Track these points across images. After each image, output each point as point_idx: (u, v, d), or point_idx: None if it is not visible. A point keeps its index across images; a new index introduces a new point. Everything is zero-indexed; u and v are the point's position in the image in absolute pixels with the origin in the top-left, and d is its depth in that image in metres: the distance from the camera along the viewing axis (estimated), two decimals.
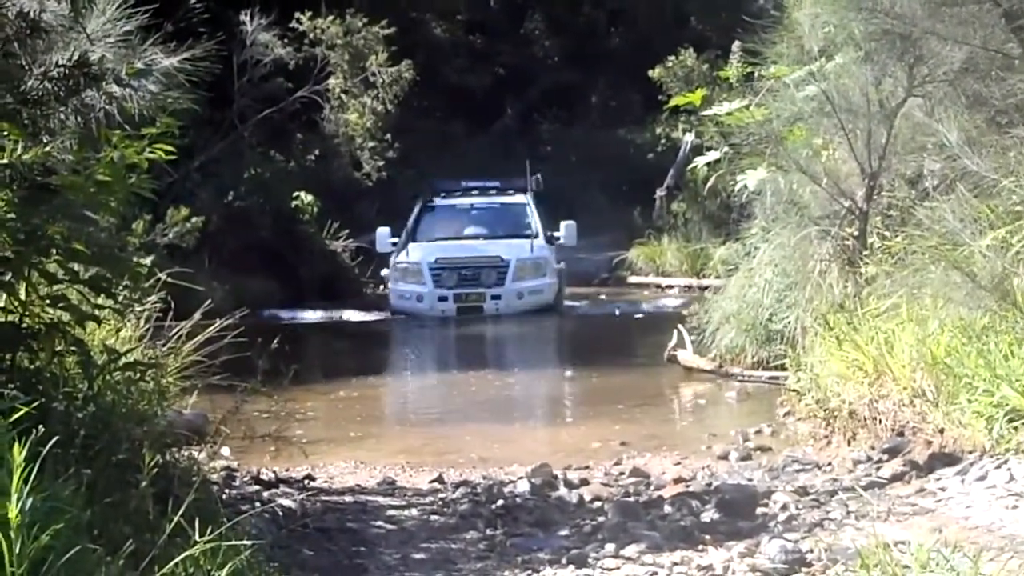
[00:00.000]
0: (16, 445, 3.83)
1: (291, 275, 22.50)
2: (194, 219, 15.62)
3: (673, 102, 15.83)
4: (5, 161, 4.79)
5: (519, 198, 22.56)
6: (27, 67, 5.28)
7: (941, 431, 7.64)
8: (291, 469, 8.27)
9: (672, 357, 13.78)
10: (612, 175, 30.44)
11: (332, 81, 24.83)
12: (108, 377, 5.67)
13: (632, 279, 26.01)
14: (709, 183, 16.54)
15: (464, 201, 22.97)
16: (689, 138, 26.46)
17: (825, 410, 9.08)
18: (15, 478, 3.76)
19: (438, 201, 22.87)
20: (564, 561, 5.90)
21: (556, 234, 21.83)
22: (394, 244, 21.54)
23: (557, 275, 21.27)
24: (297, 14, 24.58)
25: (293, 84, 24.03)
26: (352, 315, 21.56)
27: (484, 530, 6.60)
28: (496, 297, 20.63)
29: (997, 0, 9.19)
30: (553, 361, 16.76)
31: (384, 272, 21.95)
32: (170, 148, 5.71)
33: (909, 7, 9.65)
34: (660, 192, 27.77)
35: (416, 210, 22.49)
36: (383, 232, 21.90)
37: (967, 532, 5.96)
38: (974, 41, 9.55)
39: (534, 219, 21.92)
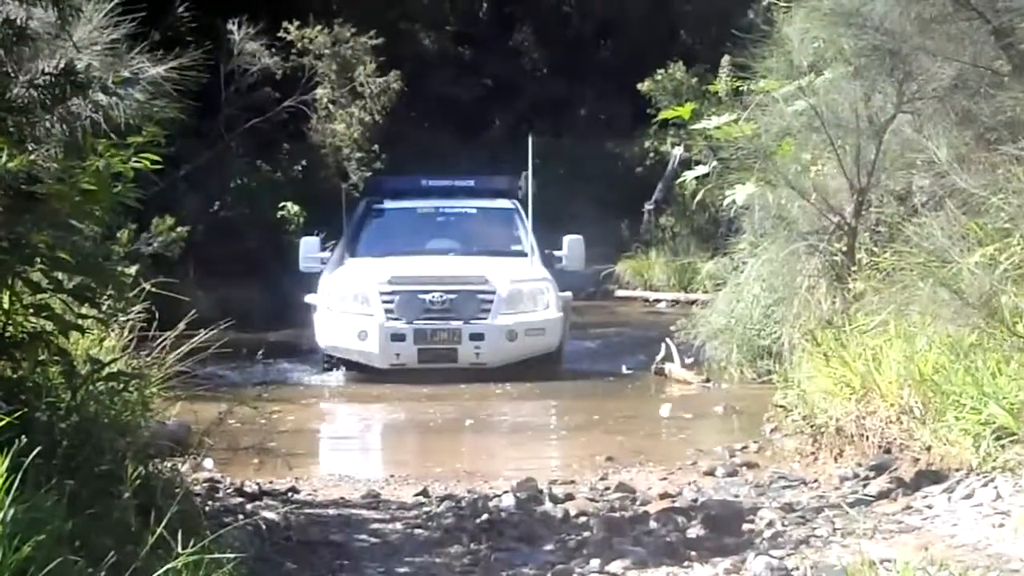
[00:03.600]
0: None
1: (276, 285, 22.33)
2: (179, 229, 15.54)
3: (662, 115, 15.73)
4: None
5: (504, 202, 16.58)
6: (13, 75, 5.25)
7: (928, 448, 7.63)
8: (275, 481, 8.24)
9: (660, 371, 13.79)
10: (600, 188, 30.42)
11: (320, 91, 24.77)
12: (91, 387, 5.64)
13: (620, 293, 25.99)
14: (697, 197, 16.53)
15: (426, 204, 16.65)
16: (678, 152, 26.50)
17: (812, 426, 9.07)
18: None
19: (389, 204, 16.78)
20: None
21: (556, 252, 15.86)
22: (324, 262, 15.54)
23: (563, 308, 15.11)
24: (285, 24, 24.53)
25: (280, 94, 23.96)
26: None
27: (468, 544, 6.57)
28: (477, 337, 14.26)
29: (986, 17, 9.19)
30: (537, 374, 16.45)
31: (309, 298, 15.26)
32: (156, 157, 5.69)
33: (899, 23, 9.66)
34: (648, 206, 27.80)
35: (357, 214, 16.37)
36: (309, 243, 16.06)
37: (953, 550, 5.95)
38: (964, 58, 9.56)
39: (526, 231, 15.85)
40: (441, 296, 14.32)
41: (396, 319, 14.20)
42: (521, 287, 14.72)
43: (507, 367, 14.23)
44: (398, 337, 14.13)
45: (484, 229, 16.22)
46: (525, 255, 15.46)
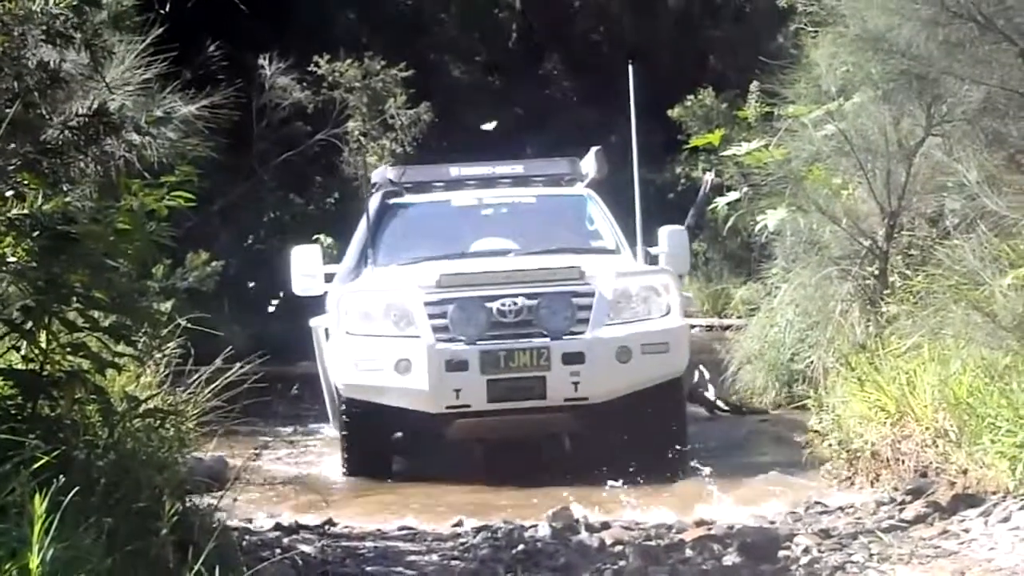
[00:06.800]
0: (37, 495, 3.83)
1: (310, 317, 22.25)
2: (214, 263, 15.53)
3: (693, 142, 15.79)
4: (26, 211, 4.81)
5: (571, 188, 12.37)
6: (47, 117, 5.32)
7: (964, 472, 7.61)
8: (311, 514, 8.26)
9: (695, 396, 13.75)
10: (632, 214, 30.37)
11: (351, 124, 24.88)
12: (128, 424, 5.68)
13: None
14: (729, 223, 16.55)
15: (464, 197, 12.05)
16: (709, 178, 26.49)
17: (847, 451, 9.05)
18: (36, 528, 3.76)
19: (413, 198, 12.15)
20: None
21: (652, 249, 11.20)
22: (330, 277, 11.12)
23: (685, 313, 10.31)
24: (315, 58, 24.67)
25: (312, 127, 24.09)
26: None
27: (505, 575, 6.57)
28: (574, 359, 9.51)
29: (1012, 40, 9.19)
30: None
31: (315, 322, 11.26)
32: (189, 195, 5.74)
33: (926, 47, 9.67)
34: None
35: (371, 213, 11.58)
36: (305, 254, 11.31)
37: (990, 575, 5.93)
38: (991, 80, 9.55)
39: (611, 223, 11.74)
40: (516, 302, 9.62)
41: (452, 339, 9.57)
42: (628, 284, 9.96)
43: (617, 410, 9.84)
44: (457, 365, 9.50)
45: (549, 223, 11.71)
46: (612, 252, 11.14)
